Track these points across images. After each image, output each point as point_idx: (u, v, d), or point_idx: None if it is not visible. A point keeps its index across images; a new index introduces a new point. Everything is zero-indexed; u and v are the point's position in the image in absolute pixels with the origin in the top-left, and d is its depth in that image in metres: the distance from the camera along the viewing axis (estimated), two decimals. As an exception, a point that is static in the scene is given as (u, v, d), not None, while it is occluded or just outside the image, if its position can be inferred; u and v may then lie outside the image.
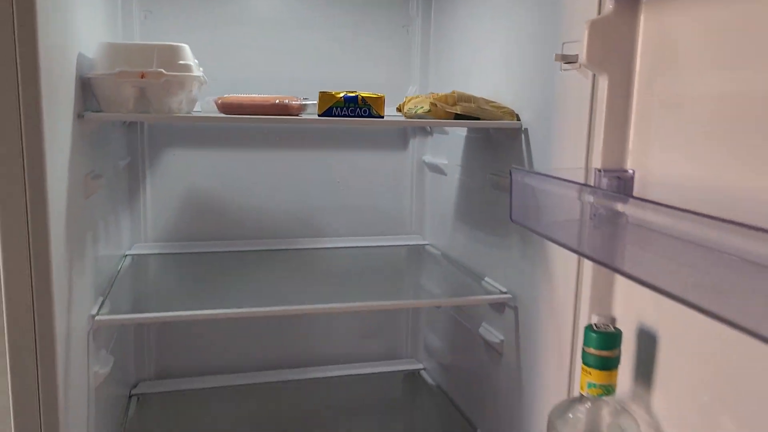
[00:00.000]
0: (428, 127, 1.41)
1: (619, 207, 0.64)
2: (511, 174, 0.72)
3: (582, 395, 0.70)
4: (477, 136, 1.17)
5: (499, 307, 1.09)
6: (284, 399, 1.38)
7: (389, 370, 1.48)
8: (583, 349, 0.69)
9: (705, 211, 0.52)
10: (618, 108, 0.71)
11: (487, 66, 1.13)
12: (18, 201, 0.71)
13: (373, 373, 1.47)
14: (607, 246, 0.62)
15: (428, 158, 1.42)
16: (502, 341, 1.07)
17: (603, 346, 0.67)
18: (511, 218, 0.72)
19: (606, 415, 0.70)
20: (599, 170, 0.71)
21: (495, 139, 1.08)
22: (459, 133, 1.24)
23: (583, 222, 0.64)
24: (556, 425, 0.72)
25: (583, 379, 0.69)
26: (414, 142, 1.46)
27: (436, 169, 1.37)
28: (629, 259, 0.59)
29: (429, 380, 1.44)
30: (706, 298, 0.48)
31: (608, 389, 0.68)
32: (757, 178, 0.57)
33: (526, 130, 0.97)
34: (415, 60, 1.41)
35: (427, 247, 1.43)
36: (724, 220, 0.45)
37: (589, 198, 0.61)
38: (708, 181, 0.62)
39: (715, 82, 0.61)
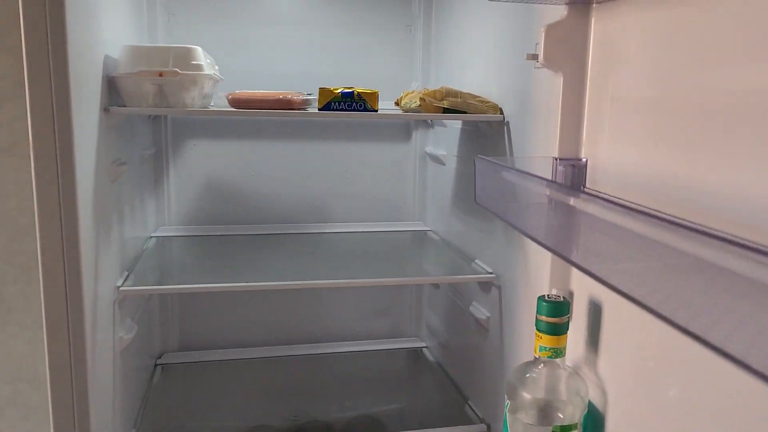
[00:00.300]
0: (429, 120, 1.50)
1: (567, 200, 0.72)
2: (474, 162, 0.80)
3: (536, 358, 0.79)
4: (469, 128, 1.25)
5: (486, 286, 1.18)
6: (296, 371, 1.49)
7: (394, 348, 1.59)
8: (536, 317, 0.78)
9: (642, 196, 0.60)
10: (572, 102, 0.79)
11: (477, 63, 1.21)
12: (51, 182, 0.83)
13: (378, 350, 1.57)
14: (546, 228, 0.70)
15: (429, 149, 1.51)
16: (488, 318, 1.16)
17: (552, 313, 0.76)
18: (475, 201, 0.81)
19: (559, 374, 0.79)
20: (556, 158, 0.79)
21: (484, 132, 1.17)
22: (455, 126, 1.33)
23: (528, 206, 0.72)
24: (517, 387, 0.81)
25: (536, 343, 0.78)
26: (417, 134, 1.55)
27: (436, 160, 1.46)
28: (560, 240, 0.67)
29: (430, 357, 1.54)
30: (622, 283, 0.55)
31: (557, 352, 0.77)
32: (687, 166, 0.64)
33: (507, 122, 1.06)
34: (417, 57, 1.50)
35: (429, 232, 1.52)
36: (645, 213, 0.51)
37: (531, 186, 0.69)
38: (646, 168, 0.70)
39: (651, 81, 0.69)
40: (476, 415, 1.23)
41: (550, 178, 0.78)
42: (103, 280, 0.97)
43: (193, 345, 1.51)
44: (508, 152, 1.06)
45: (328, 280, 1.15)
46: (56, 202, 0.83)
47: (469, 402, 1.28)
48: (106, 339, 0.99)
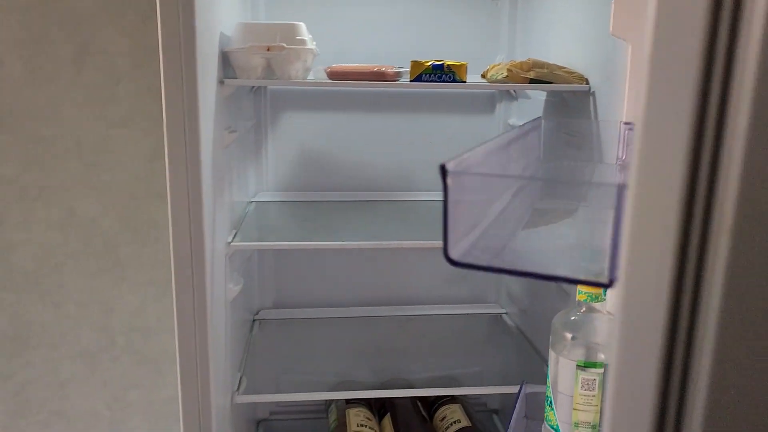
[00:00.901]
0: (513, 92, 1.55)
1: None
2: (540, 122, 0.86)
3: (578, 302, 0.85)
4: (554, 99, 1.29)
5: (568, 251, 1.22)
6: (381, 331, 1.58)
7: (475, 313, 1.66)
8: (575, 266, 0.83)
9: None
10: (640, 70, 0.83)
11: (563, 35, 1.24)
12: (180, 147, 0.93)
13: (459, 314, 1.64)
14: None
15: (513, 121, 1.56)
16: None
17: (590, 262, 0.82)
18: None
19: (598, 317, 0.84)
20: (621, 122, 0.84)
21: (568, 102, 1.20)
22: (540, 97, 1.37)
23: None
24: (559, 327, 0.87)
25: (578, 287, 0.84)
26: (501, 107, 1.60)
27: (520, 131, 1.51)
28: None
29: (509, 323, 1.60)
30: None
31: (594, 296, 0.83)
32: None
33: (593, 92, 1.09)
34: (503, 30, 1.54)
35: (511, 201, 1.57)
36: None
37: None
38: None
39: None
40: (555, 374, 1.28)
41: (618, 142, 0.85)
42: (218, 236, 1.08)
43: (287, 303, 1.63)
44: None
45: (413, 241, 1.23)
46: (184, 165, 0.94)
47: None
48: (220, 289, 1.11)
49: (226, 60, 1.11)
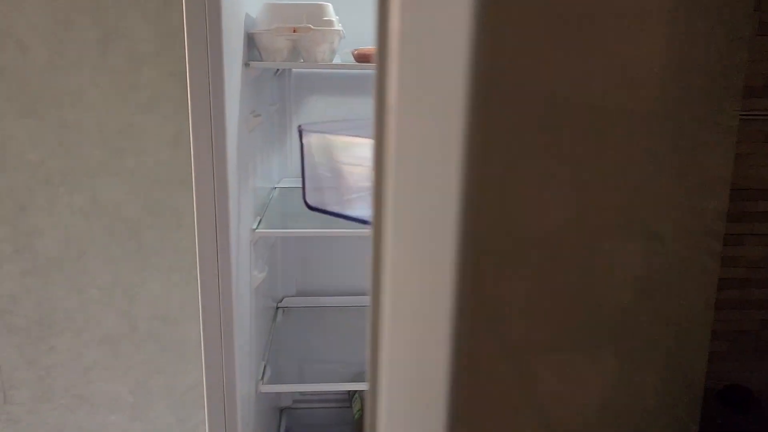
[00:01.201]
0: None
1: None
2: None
3: None
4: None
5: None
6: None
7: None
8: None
9: None
10: None
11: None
12: (205, 130, 0.91)
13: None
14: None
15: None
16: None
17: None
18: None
19: None
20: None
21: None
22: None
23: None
24: None
25: None
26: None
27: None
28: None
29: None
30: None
31: None
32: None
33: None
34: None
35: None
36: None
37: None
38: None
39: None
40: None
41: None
42: (243, 223, 1.06)
43: (310, 291, 1.61)
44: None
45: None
46: (209, 150, 0.92)
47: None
48: (245, 277, 1.09)
49: (251, 42, 1.08)
